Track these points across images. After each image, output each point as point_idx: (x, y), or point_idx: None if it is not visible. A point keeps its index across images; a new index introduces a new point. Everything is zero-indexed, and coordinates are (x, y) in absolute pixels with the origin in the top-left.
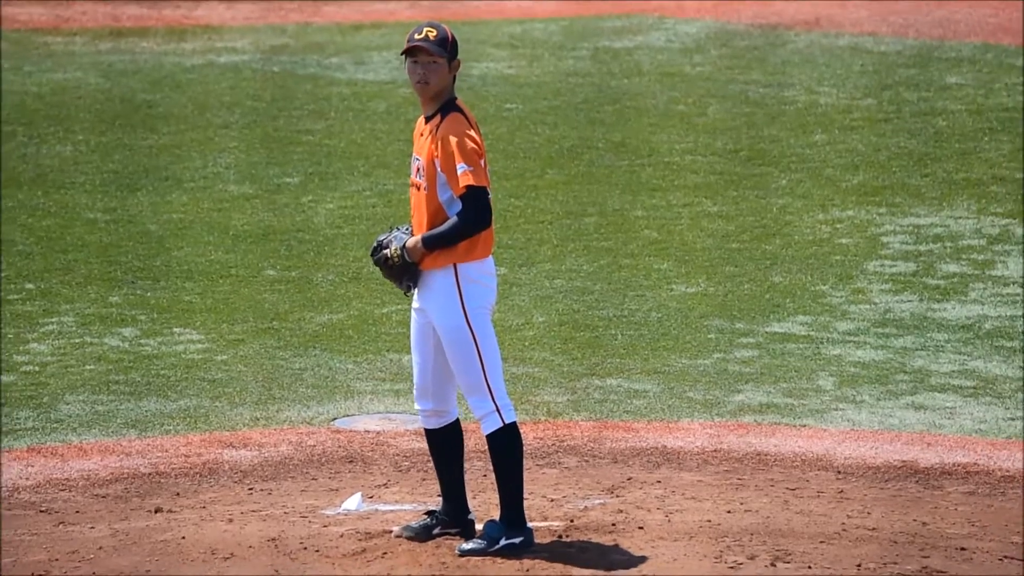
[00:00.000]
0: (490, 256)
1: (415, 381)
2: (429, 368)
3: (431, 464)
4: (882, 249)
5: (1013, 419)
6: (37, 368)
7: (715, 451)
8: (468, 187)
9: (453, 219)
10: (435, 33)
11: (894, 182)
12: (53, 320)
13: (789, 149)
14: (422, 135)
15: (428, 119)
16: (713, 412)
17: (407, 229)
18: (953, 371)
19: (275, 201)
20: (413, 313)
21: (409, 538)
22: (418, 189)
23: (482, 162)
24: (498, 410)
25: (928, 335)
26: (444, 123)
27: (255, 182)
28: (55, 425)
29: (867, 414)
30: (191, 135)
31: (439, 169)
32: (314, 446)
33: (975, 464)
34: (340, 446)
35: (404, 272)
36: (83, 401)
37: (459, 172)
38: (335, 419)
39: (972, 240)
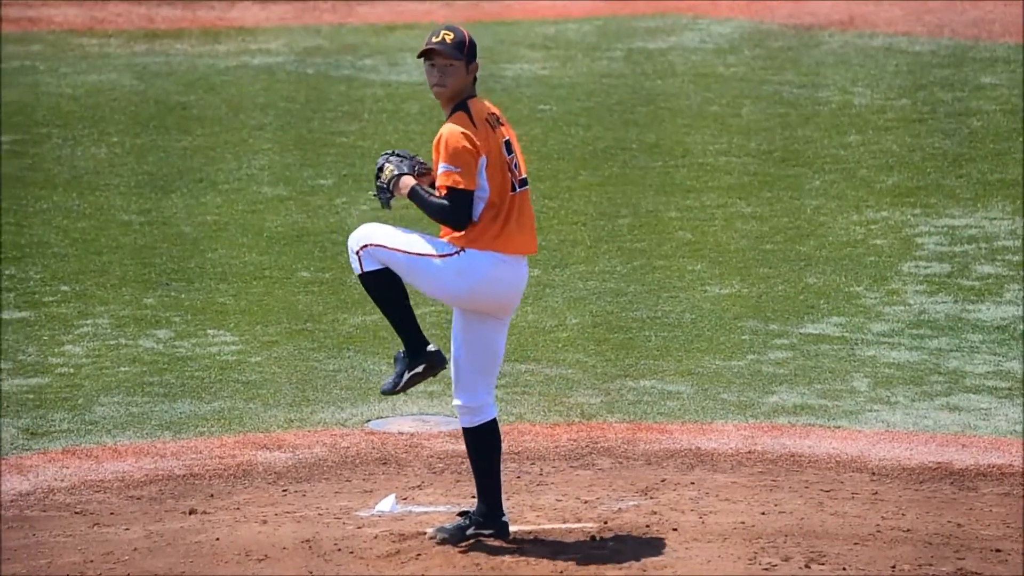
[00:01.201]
0: (514, 254)
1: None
2: (453, 359)
3: (465, 465)
4: (916, 250)
5: None
6: (72, 370)
7: (749, 452)
8: (448, 189)
9: (440, 201)
10: (452, 36)
11: (928, 183)
12: (88, 322)
13: (823, 150)
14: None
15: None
16: (747, 413)
17: (423, 166)
18: (988, 372)
19: (309, 203)
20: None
21: (443, 540)
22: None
23: (480, 160)
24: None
25: (963, 336)
26: (446, 123)
27: (289, 184)
28: (90, 427)
29: (901, 415)
30: (225, 137)
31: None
32: (348, 448)
33: (1010, 465)
34: (374, 448)
35: (384, 192)
36: (118, 403)
37: (440, 172)
38: (369, 421)
39: (1007, 241)
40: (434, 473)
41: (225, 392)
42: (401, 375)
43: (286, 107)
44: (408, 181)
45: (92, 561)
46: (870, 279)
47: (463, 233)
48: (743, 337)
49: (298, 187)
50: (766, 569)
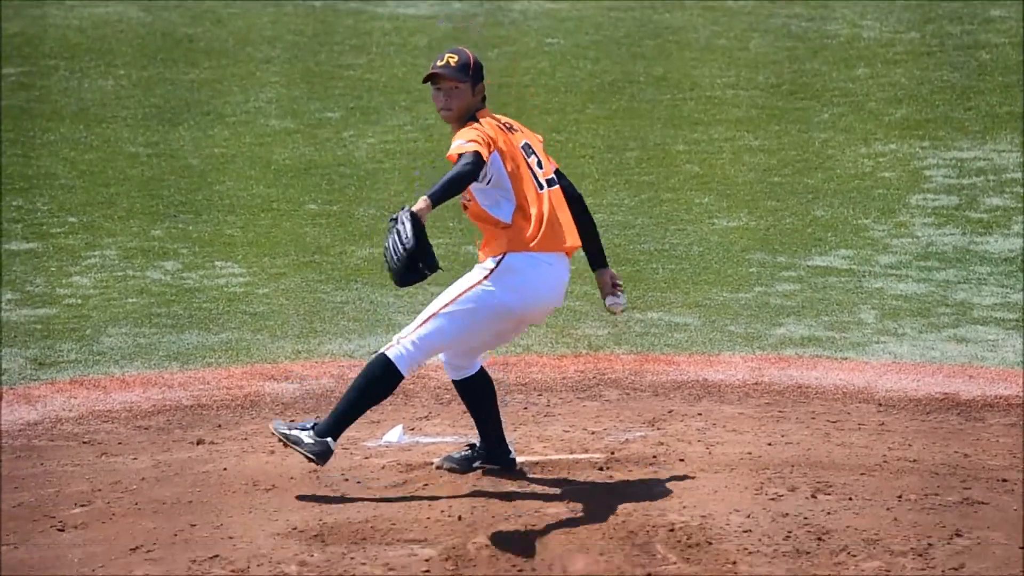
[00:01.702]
0: (546, 252)
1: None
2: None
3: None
4: (925, 183)
5: None
6: (80, 301)
7: (756, 384)
8: (457, 156)
9: (452, 169)
10: (456, 59)
11: (937, 116)
12: (95, 253)
13: (831, 83)
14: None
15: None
16: (754, 345)
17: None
18: (995, 304)
19: (316, 135)
20: None
21: (450, 469)
22: (465, 208)
23: (493, 153)
24: (398, 345)
25: (970, 268)
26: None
27: (296, 117)
28: (98, 357)
29: (908, 347)
30: (232, 70)
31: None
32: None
33: (1017, 396)
34: None
35: (419, 252)
36: (125, 334)
37: (452, 147)
38: (376, 352)
39: (1015, 173)
40: (441, 404)
41: (232, 323)
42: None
43: (293, 40)
44: (417, 205)
45: (100, 490)
46: (878, 212)
47: (498, 241)
48: (750, 269)
49: (305, 120)
50: (772, 499)
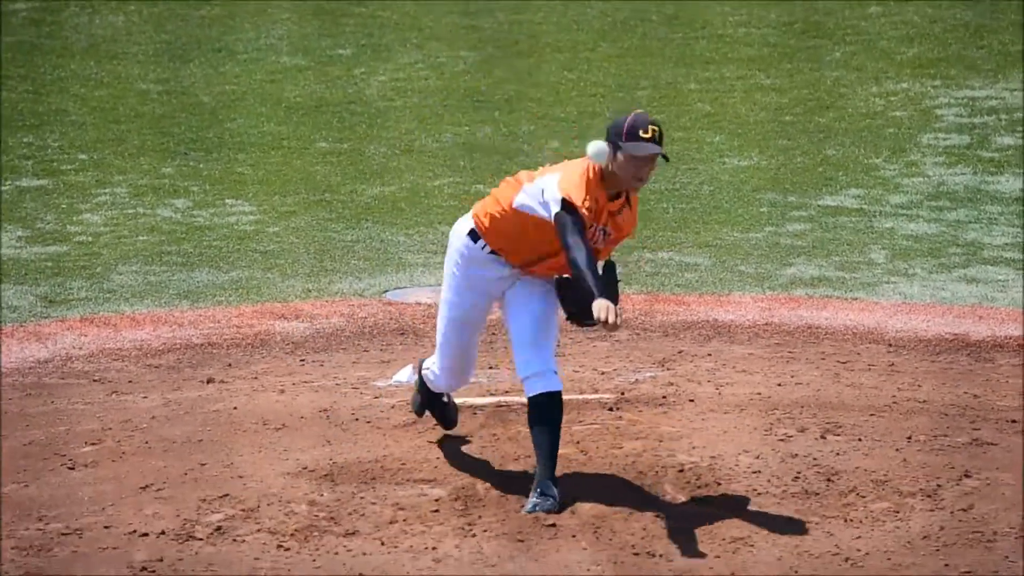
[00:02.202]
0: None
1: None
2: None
3: (482, 337)
4: (936, 122)
5: None
6: (90, 239)
7: (766, 324)
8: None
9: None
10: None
11: (949, 54)
12: (106, 191)
13: (844, 21)
14: (612, 212)
15: (614, 197)
16: (764, 285)
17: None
18: (1006, 244)
19: (327, 73)
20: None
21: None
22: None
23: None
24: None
25: (981, 208)
26: (633, 203)
27: (308, 54)
28: (108, 295)
29: (919, 287)
30: (244, 6)
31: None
32: (365, 318)
33: None
34: (391, 318)
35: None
36: (136, 272)
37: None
38: (387, 291)
39: None
40: None
41: (243, 262)
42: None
43: None
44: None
45: (110, 428)
46: (889, 151)
47: None
48: (761, 209)
49: (316, 57)
50: (782, 440)
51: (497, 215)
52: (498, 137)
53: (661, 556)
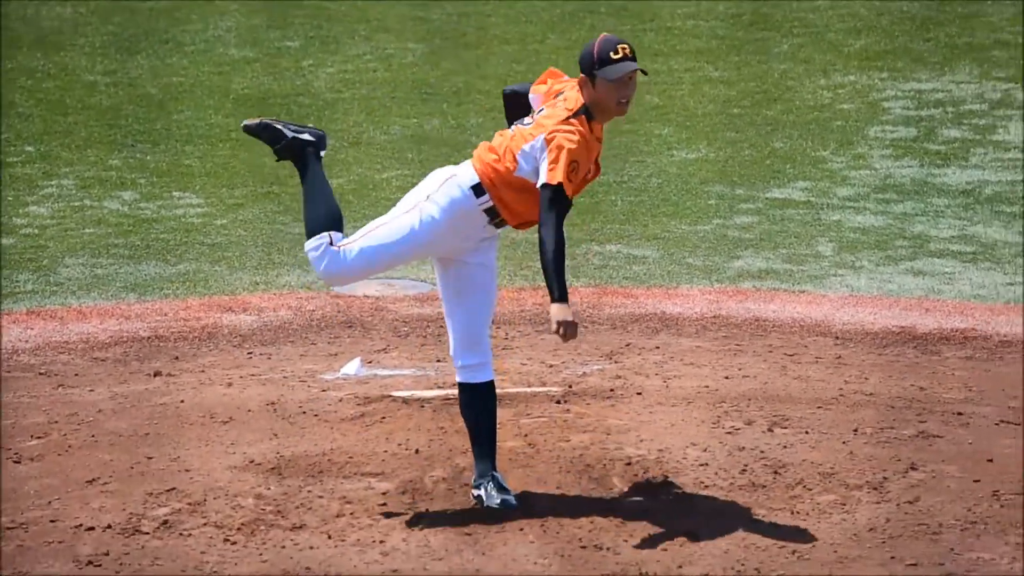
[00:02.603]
0: None
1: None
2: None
3: (431, 329)
4: (883, 114)
5: (1012, 284)
6: (37, 231)
7: (714, 317)
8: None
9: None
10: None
11: (896, 47)
12: (53, 183)
13: (791, 13)
14: (599, 140)
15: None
16: (712, 278)
17: None
18: (952, 236)
19: (275, 65)
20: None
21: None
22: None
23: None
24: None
25: (928, 200)
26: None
27: (256, 46)
28: (55, 288)
29: (866, 280)
30: None
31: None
32: (313, 311)
33: (973, 329)
34: (339, 311)
35: None
36: (82, 264)
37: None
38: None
39: (973, 105)
40: (399, 336)
41: (190, 254)
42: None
43: None
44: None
45: (57, 422)
46: (836, 143)
47: None
48: (709, 202)
49: (265, 49)
50: (729, 432)
51: (503, 171)
52: (446, 129)
53: (608, 549)
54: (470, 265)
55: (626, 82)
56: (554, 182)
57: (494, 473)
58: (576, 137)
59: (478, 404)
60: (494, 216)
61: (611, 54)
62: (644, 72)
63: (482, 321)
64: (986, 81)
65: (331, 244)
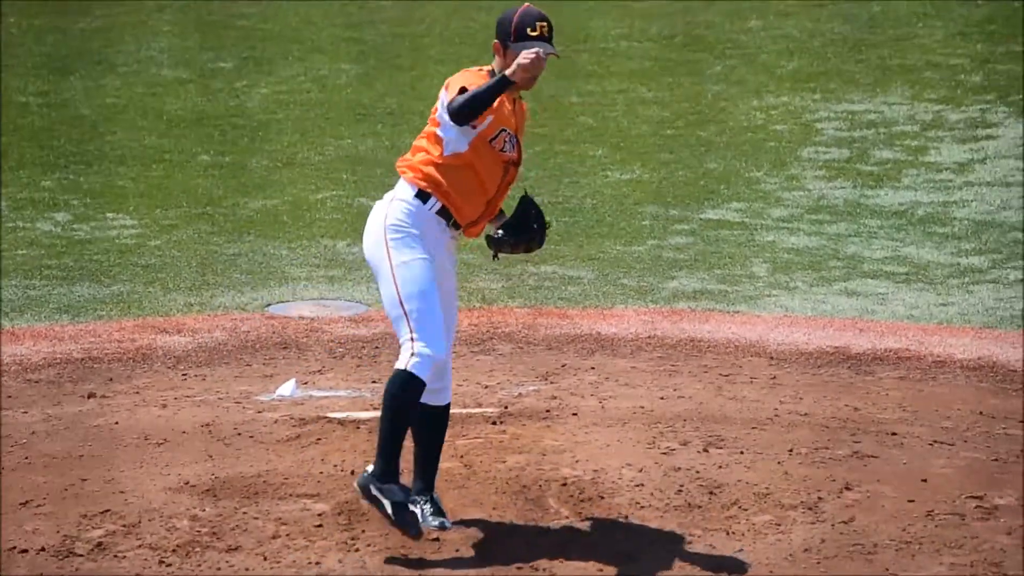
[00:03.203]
0: None
1: (445, 326)
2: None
3: (366, 350)
4: (816, 135)
5: (944, 305)
6: None
7: (649, 337)
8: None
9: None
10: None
11: (829, 68)
12: None
13: (724, 35)
14: (512, 111)
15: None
16: (647, 299)
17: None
18: (886, 257)
19: (209, 86)
20: (442, 264)
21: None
22: (516, 165)
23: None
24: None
25: (861, 221)
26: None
27: (189, 66)
28: None
29: (800, 300)
30: (124, 18)
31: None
32: (248, 332)
33: (907, 350)
34: (274, 332)
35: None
36: (15, 286)
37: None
38: (269, 305)
39: (906, 126)
40: (334, 358)
41: (124, 276)
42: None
43: None
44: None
45: None
46: (770, 164)
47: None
48: (644, 223)
49: (198, 70)
50: (664, 453)
51: (433, 160)
52: (381, 150)
53: (544, 571)
54: (443, 289)
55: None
56: (449, 99)
57: (433, 495)
58: (474, 70)
59: (435, 424)
60: (448, 218)
61: (528, 30)
62: (557, 55)
63: (449, 343)
64: (918, 103)
65: (413, 355)
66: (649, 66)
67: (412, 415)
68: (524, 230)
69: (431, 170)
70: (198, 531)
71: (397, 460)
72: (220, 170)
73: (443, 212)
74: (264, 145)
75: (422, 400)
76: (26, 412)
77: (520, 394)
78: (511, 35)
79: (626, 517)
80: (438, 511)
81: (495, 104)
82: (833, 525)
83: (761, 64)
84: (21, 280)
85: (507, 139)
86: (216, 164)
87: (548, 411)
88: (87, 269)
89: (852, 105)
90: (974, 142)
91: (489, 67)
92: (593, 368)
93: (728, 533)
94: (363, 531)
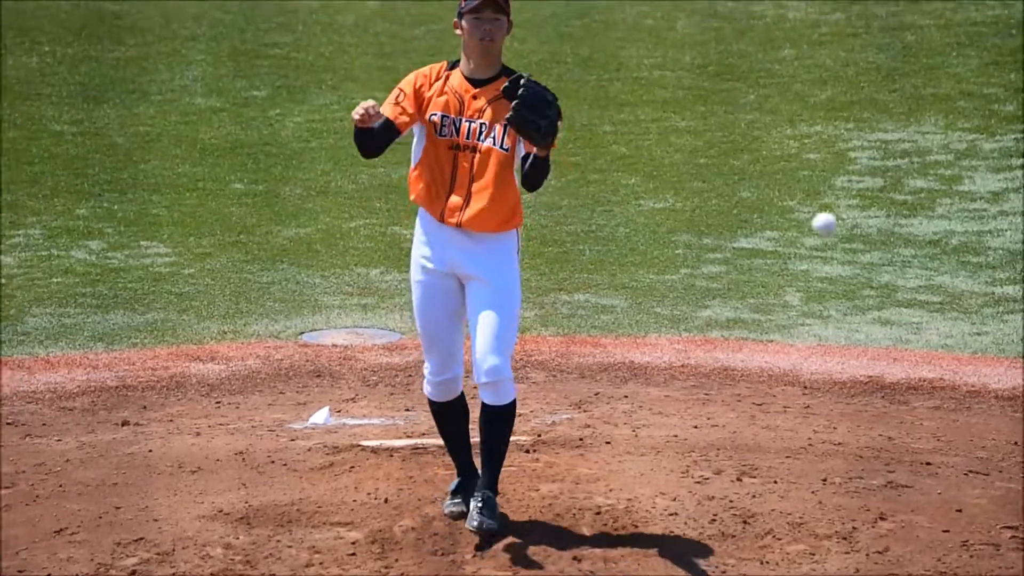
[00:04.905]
0: None
1: (441, 355)
2: (458, 336)
3: (400, 379)
4: (850, 164)
5: (979, 334)
6: (3, 281)
7: (682, 366)
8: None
9: (544, 166)
10: None
11: (862, 97)
12: (19, 232)
13: (757, 64)
14: (475, 97)
15: (482, 82)
16: (680, 327)
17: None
18: (919, 286)
19: (242, 114)
20: (431, 279)
21: (458, 516)
22: (474, 152)
23: None
24: (511, 380)
25: (895, 250)
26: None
27: (222, 95)
28: (22, 338)
29: (833, 329)
30: (158, 47)
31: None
32: (281, 360)
33: (941, 379)
34: (308, 360)
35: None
36: (50, 314)
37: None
38: (302, 333)
39: (939, 155)
40: (368, 386)
41: (158, 304)
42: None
43: (219, 17)
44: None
45: (24, 472)
46: (803, 193)
47: (514, 214)
48: (677, 251)
49: (231, 98)
50: (699, 482)
51: (414, 173)
52: None
53: None
54: (474, 284)
55: (480, 18)
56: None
57: (486, 493)
58: (416, 72)
59: (500, 421)
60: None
61: (464, 4)
62: (496, 16)
63: (479, 343)
64: (952, 132)
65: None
66: (682, 95)
67: (459, 418)
68: (537, 108)
69: (413, 180)
70: (232, 559)
71: (456, 461)
72: (254, 198)
73: (425, 210)
74: (297, 173)
75: (449, 399)
76: (60, 440)
77: (553, 422)
78: (460, 5)
79: (660, 546)
80: (484, 512)
81: (427, 95)
82: (867, 555)
83: (795, 93)
84: (56, 308)
85: (449, 124)
86: (249, 192)
87: (581, 439)
88: (121, 297)
89: (886, 134)
90: (1008, 171)
91: (448, 60)
92: (626, 396)
93: (762, 563)
94: (396, 560)
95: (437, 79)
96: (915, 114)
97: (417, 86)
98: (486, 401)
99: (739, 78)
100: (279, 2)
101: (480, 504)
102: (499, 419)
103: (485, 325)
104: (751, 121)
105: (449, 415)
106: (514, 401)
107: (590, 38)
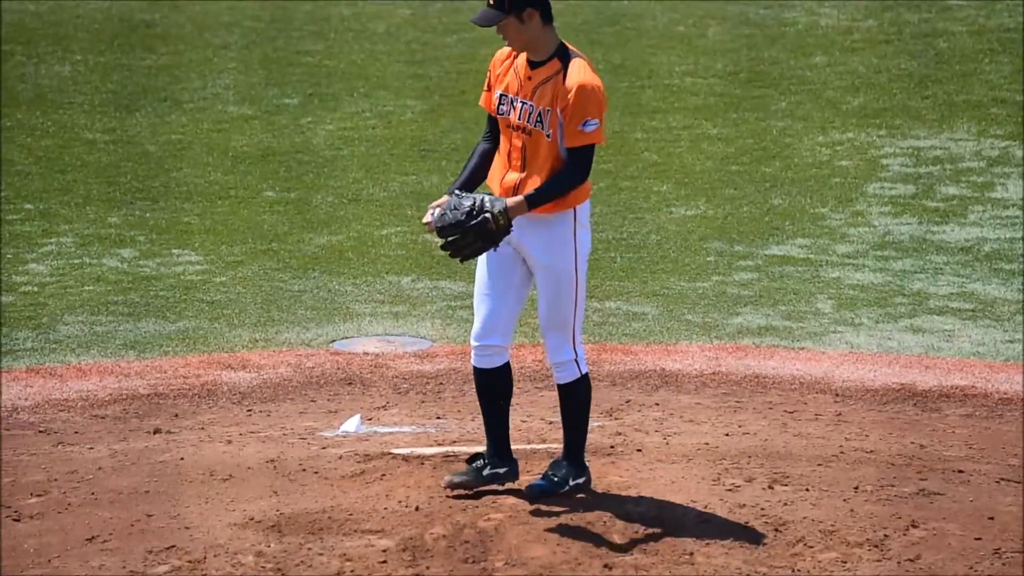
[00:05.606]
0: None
1: (483, 318)
2: (507, 305)
3: (431, 386)
4: (882, 171)
5: (1012, 341)
6: (36, 288)
7: (713, 374)
8: (590, 144)
9: (558, 174)
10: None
11: (894, 104)
12: (52, 240)
13: (789, 71)
14: (530, 78)
15: (536, 64)
16: (712, 335)
17: (485, 196)
18: (952, 293)
19: (274, 122)
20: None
21: (458, 485)
22: (527, 134)
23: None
24: (576, 360)
25: (927, 257)
26: (572, 71)
27: (254, 103)
28: (54, 346)
29: (865, 337)
30: (190, 55)
31: (561, 117)
32: (313, 368)
33: (973, 387)
34: (339, 368)
35: (501, 235)
36: (82, 322)
37: (588, 128)
38: (334, 341)
39: (972, 162)
40: (399, 393)
41: (190, 312)
42: (565, 481)
43: (251, 26)
44: (515, 201)
45: (56, 480)
46: (835, 200)
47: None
48: (708, 258)
49: (263, 106)
50: (730, 490)
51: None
52: (445, 186)
53: None
54: (536, 270)
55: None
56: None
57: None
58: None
59: (568, 397)
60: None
61: None
62: (496, 24)
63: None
64: (984, 139)
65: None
66: (714, 102)
67: (494, 391)
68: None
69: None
70: (263, 567)
71: (491, 437)
72: (285, 206)
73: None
74: (329, 181)
75: (491, 367)
76: (92, 448)
77: None
78: None
79: (691, 554)
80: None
81: (497, 73)
82: (899, 563)
83: (826, 100)
84: (88, 316)
85: (507, 103)
86: (281, 200)
87: (612, 447)
88: (153, 305)
89: (918, 141)
90: None
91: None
92: (657, 404)
93: (794, 571)
94: (427, 567)
95: (508, 56)
96: (947, 121)
97: (494, 66)
98: (555, 379)
99: (771, 85)
100: (311, 10)
101: (549, 469)
102: (568, 395)
103: (542, 310)
104: (783, 128)
105: (484, 385)
106: (579, 380)
107: (621, 45)
